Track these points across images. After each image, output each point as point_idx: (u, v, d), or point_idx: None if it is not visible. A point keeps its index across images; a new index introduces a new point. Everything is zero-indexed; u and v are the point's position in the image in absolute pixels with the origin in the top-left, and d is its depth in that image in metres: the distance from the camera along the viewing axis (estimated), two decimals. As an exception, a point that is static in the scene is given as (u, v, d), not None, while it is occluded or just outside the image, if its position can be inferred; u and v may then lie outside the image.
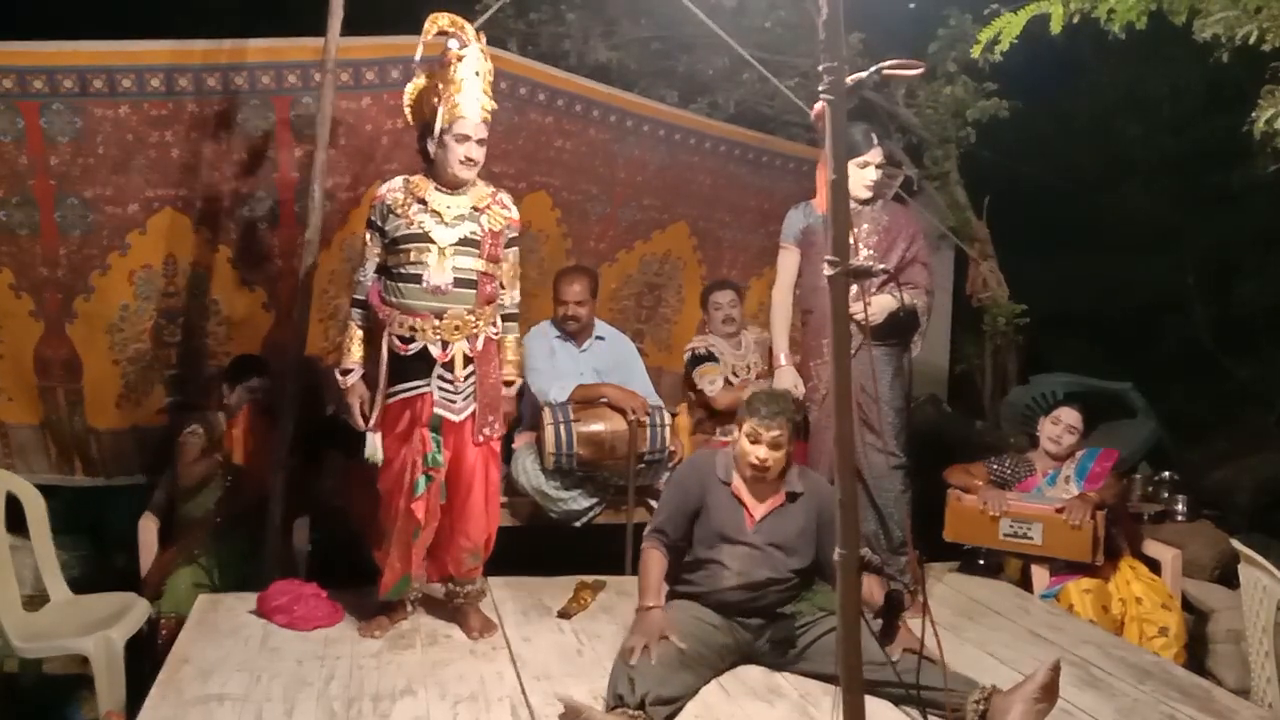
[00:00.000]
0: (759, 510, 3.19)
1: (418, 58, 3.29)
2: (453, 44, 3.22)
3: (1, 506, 3.62)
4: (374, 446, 3.32)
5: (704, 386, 4.60)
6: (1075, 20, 3.33)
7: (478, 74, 3.26)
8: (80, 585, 3.97)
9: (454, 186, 3.32)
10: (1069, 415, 4.29)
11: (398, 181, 3.35)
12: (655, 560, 3.20)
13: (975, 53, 3.60)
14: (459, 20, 3.25)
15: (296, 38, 3.97)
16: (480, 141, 3.28)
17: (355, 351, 3.36)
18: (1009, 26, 3.35)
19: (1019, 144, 6.63)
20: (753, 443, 3.13)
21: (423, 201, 3.28)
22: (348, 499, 4.03)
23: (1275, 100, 3.30)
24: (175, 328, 4.35)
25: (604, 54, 5.96)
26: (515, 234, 3.44)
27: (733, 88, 6.02)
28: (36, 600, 3.83)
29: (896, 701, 2.91)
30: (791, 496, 3.21)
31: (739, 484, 3.21)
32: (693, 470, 3.31)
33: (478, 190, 3.36)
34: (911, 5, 5.54)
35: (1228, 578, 4.45)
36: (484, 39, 3.32)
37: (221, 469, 4.04)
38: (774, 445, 3.12)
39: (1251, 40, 3.24)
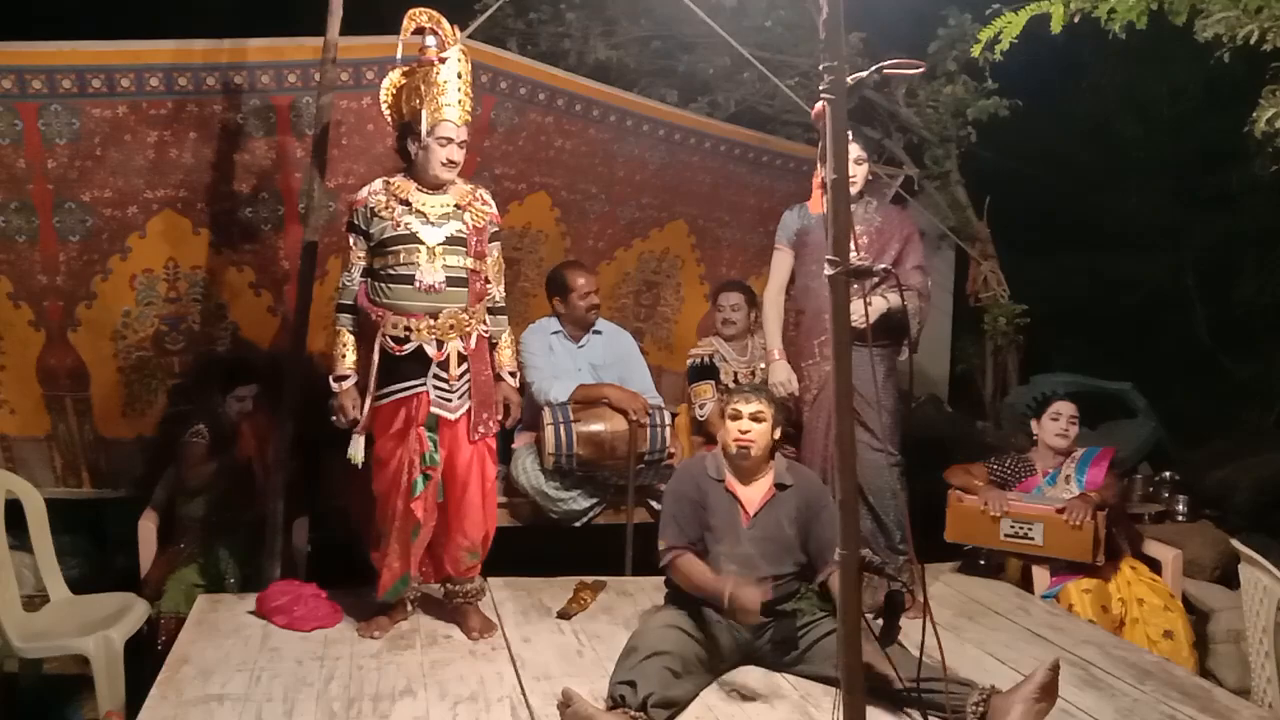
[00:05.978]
0: (753, 504, 3.21)
1: (399, 56, 3.28)
2: (430, 41, 3.20)
3: (1, 506, 3.62)
4: (357, 448, 3.32)
5: (695, 411, 4.58)
6: (1075, 20, 3.33)
7: (459, 75, 3.25)
8: (80, 585, 3.96)
9: (435, 187, 3.32)
10: (1067, 407, 4.29)
11: (377, 184, 3.34)
12: (691, 559, 3.16)
13: (975, 52, 3.60)
14: (436, 15, 3.24)
15: (296, 38, 3.96)
16: (461, 143, 3.28)
17: (349, 358, 3.34)
18: (1009, 26, 3.35)
19: (1019, 144, 6.63)
20: (733, 420, 3.19)
21: (406, 203, 3.28)
22: (348, 499, 4.03)
23: (1275, 100, 3.30)
24: (178, 334, 4.32)
25: (604, 53, 5.96)
26: (497, 229, 3.45)
27: (733, 87, 6.03)
28: (36, 600, 3.84)
29: (897, 703, 2.90)
30: (781, 488, 3.24)
31: (731, 479, 3.24)
32: (686, 475, 3.33)
33: (458, 188, 3.36)
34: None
35: (1228, 578, 4.45)
36: (458, 34, 3.30)
37: (225, 474, 4.01)
38: (755, 418, 3.18)
39: (1252, 40, 3.24)
